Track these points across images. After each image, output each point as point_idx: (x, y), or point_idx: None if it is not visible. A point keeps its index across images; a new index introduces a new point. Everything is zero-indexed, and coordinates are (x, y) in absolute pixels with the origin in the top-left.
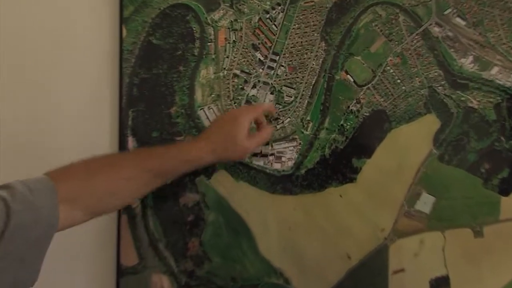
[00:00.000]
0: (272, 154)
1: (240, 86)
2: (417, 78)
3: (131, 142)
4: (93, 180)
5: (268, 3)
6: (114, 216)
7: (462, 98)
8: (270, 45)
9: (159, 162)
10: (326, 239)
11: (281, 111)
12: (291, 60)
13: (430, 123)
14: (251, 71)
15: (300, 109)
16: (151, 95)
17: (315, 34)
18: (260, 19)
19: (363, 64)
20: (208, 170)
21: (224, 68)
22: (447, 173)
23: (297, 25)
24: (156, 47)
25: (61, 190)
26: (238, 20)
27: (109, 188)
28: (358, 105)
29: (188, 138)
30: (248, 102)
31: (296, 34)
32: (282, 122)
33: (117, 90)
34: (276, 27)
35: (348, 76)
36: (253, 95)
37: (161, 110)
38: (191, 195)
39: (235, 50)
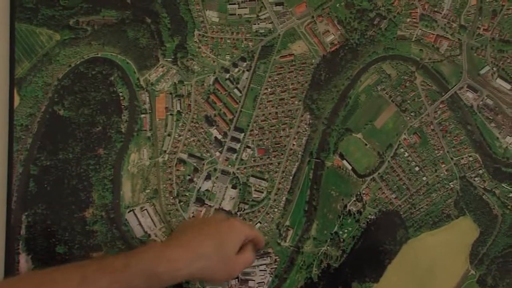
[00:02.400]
0: (235, 277)
1: (188, 177)
2: (443, 165)
3: (23, 262)
4: None
5: (228, 57)
6: None
7: (511, 194)
8: (232, 117)
9: (113, 281)
10: None
11: (247, 213)
12: (261, 140)
13: (464, 230)
14: (204, 155)
15: (276, 210)
16: (55, 191)
17: (296, 102)
18: (216, 80)
19: (366, 144)
20: None
21: (165, 151)
22: None
23: (270, 89)
24: (65, 121)
25: None
26: (185, 82)
27: None
28: (360, 204)
29: (149, 244)
30: (199, 199)
31: (268, 102)
32: None
33: (4, 184)
34: (240, 92)
35: (344, 162)
36: (206, 190)
37: (71, 213)
38: None
39: (180, 125)
